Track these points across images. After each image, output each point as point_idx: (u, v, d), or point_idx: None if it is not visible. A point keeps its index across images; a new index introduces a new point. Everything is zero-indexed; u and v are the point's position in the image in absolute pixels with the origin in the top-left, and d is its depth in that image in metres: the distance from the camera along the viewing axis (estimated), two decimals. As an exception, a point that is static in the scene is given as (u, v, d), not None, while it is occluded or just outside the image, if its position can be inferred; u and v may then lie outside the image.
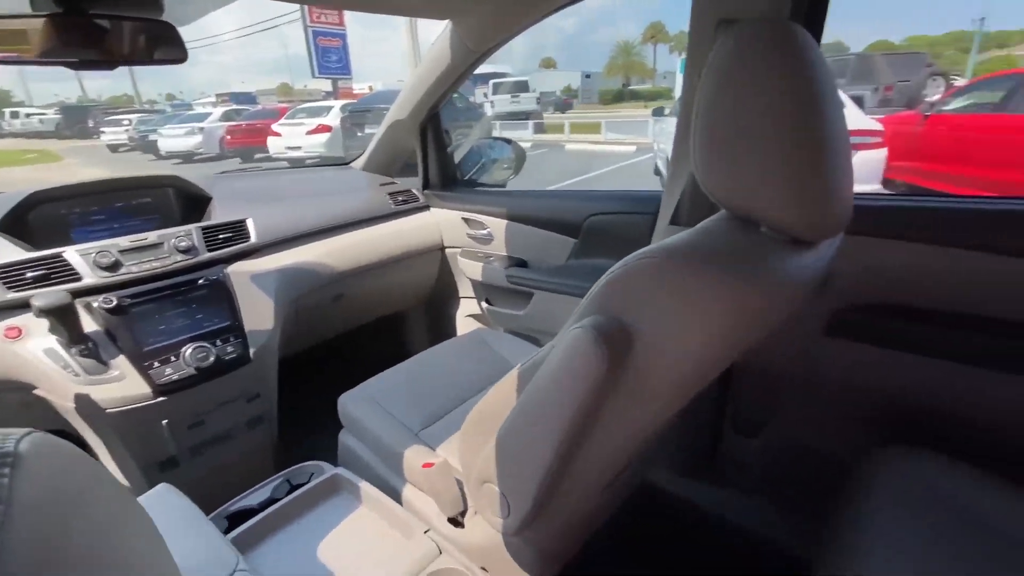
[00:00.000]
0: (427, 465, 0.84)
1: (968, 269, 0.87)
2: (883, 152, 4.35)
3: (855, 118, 4.75)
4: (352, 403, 1.07)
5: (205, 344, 1.02)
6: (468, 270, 1.63)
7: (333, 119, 9.77)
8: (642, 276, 0.52)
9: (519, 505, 0.64)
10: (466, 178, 1.77)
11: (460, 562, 0.77)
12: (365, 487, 0.90)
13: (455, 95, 1.77)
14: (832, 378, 1.05)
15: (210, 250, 1.16)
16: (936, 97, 5.99)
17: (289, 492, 0.91)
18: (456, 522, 0.85)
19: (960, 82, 6.50)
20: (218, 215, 1.25)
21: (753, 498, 1.20)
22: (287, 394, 1.29)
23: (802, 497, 1.07)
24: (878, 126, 4.73)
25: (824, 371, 1.05)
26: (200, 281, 1.10)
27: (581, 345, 0.52)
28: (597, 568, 1.09)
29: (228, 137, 12.22)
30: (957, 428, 0.92)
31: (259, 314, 1.16)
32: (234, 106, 16.77)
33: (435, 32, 1.35)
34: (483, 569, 0.80)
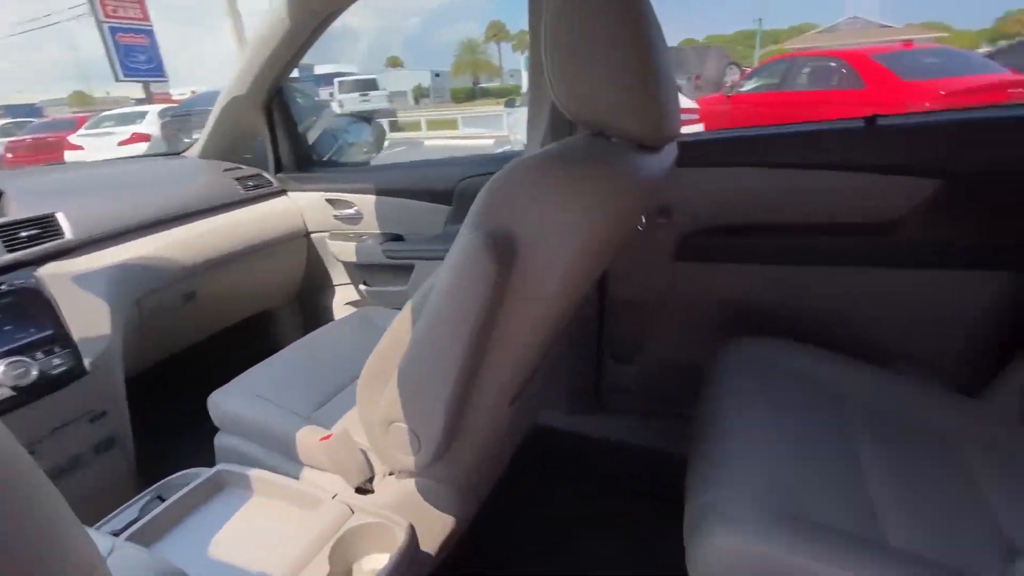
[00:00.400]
0: (325, 438, 0.79)
1: (780, 185, 1.06)
2: (701, 126, 5.14)
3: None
4: (226, 400, 0.96)
5: (23, 359, 0.84)
6: (340, 252, 1.55)
7: (151, 126, 8.46)
8: (519, 181, 0.55)
9: (429, 436, 0.64)
10: (323, 160, 1.68)
11: (377, 517, 0.74)
12: (256, 474, 0.82)
13: (300, 95, 1.66)
14: (686, 296, 1.20)
15: (10, 251, 0.96)
16: (734, 80, 7.10)
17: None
18: (364, 490, 0.81)
19: (748, 70, 7.91)
20: (15, 211, 1.03)
21: (635, 418, 1.33)
22: (148, 409, 1.12)
23: (675, 405, 1.22)
24: (695, 105, 5.58)
25: (679, 291, 1.21)
26: (2, 288, 0.90)
27: (472, 253, 0.54)
28: (507, 515, 1.13)
29: (8, 155, 9.98)
30: (793, 319, 1.12)
31: (91, 320, 0.98)
32: (12, 120, 13.71)
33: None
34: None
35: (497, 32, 47.18)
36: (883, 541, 0.61)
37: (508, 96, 12.76)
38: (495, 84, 36.48)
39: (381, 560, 0.67)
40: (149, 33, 15.10)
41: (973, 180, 0.93)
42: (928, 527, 0.63)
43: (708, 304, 1.20)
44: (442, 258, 0.60)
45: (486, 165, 1.36)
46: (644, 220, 1.15)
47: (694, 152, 1.07)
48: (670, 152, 0.77)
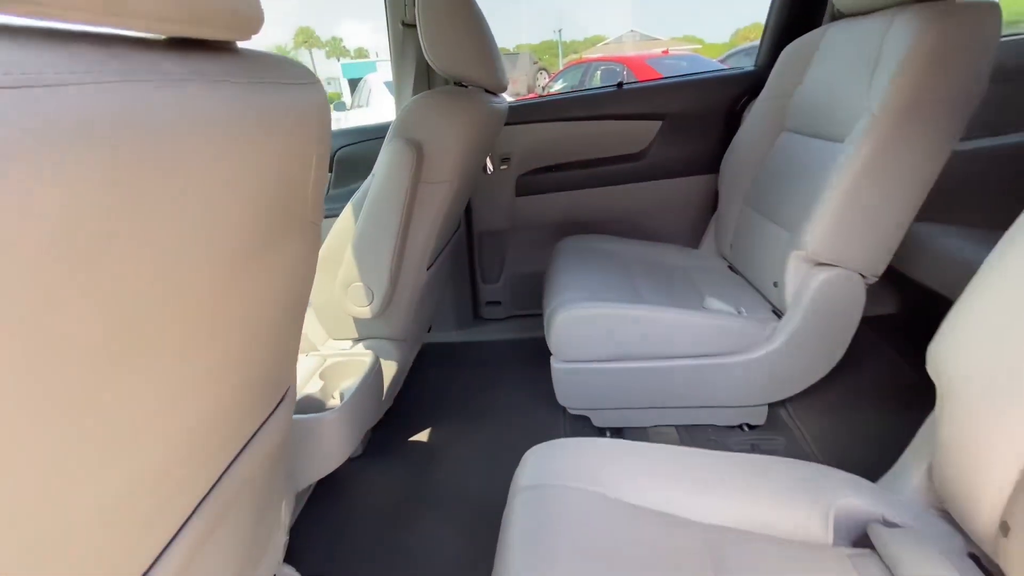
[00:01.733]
0: None
1: (574, 133, 1.56)
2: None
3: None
4: None
5: None
6: None
7: None
8: (422, 109, 0.91)
9: (379, 287, 0.96)
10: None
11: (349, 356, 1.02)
12: None
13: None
14: (528, 221, 1.66)
15: None
16: (545, 82, 8.13)
17: None
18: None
19: (555, 73, 9.19)
20: None
21: (504, 321, 1.77)
22: None
23: (533, 305, 1.67)
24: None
25: (522, 219, 1.66)
26: None
27: (397, 153, 0.89)
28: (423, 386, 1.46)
29: None
30: (596, 223, 1.63)
31: None
32: None
33: None
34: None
35: (307, 39, 44.84)
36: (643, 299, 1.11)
37: (332, 102, 12.49)
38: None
39: (354, 381, 0.97)
40: None
41: (679, 119, 1.53)
42: (669, 300, 1.15)
43: (542, 225, 1.67)
44: (334, 216, 0.92)
45: (353, 136, 1.65)
46: (491, 167, 1.58)
47: (520, 114, 1.53)
48: (503, 100, 1.20)
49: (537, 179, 1.62)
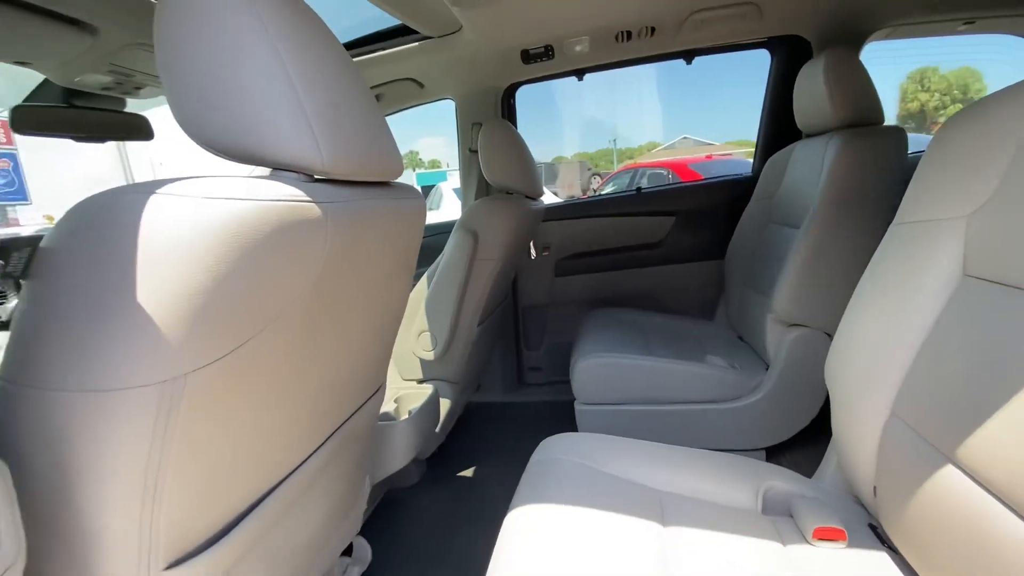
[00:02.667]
0: None
1: (603, 227, 1.91)
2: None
3: (551, 200, 7.08)
4: None
5: None
6: None
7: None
8: (480, 210, 1.29)
9: (441, 335, 1.29)
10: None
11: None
12: None
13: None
14: (564, 297, 1.98)
15: None
16: (597, 186, 8.86)
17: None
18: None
19: (607, 177, 10.06)
20: None
21: (543, 385, 2.02)
22: None
23: (565, 371, 1.93)
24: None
25: (560, 296, 1.98)
26: None
27: (460, 238, 1.25)
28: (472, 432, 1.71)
29: None
30: (621, 299, 1.91)
31: None
32: None
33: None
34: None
35: (410, 162, 51.40)
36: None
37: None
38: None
39: (419, 404, 1.26)
40: (13, 157, 14.40)
41: (688, 215, 1.85)
42: (675, 355, 1.39)
43: (578, 301, 1.98)
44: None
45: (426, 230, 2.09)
46: (534, 253, 1.94)
47: (560, 212, 1.91)
48: (540, 203, 1.58)
49: (573, 263, 1.96)
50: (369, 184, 0.63)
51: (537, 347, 2.04)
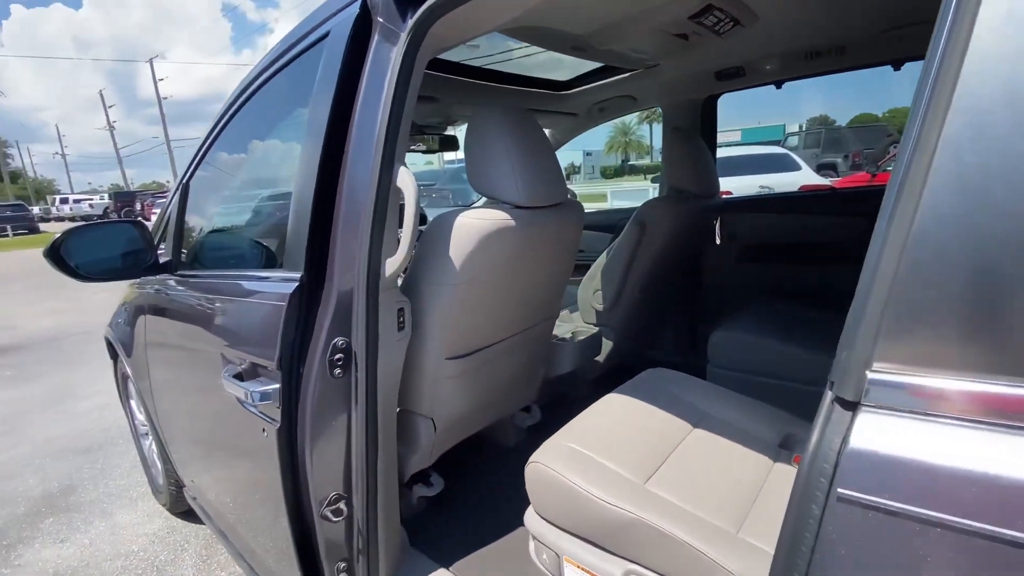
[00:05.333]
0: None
1: (793, 220, 2.07)
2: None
3: (807, 176, 6.39)
4: None
5: None
6: None
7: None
8: (648, 205, 1.74)
9: (608, 296, 1.81)
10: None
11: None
12: None
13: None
14: (743, 281, 2.22)
15: None
16: (890, 156, 7.46)
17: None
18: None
19: None
20: None
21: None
22: None
23: None
24: (827, 183, 6.27)
25: (740, 279, 2.22)
26: None
27: (630, 226, 1.73)
28: None
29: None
30: (800, 291, 2.07)
31: None
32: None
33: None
34: None
35: (650, 114, 49.91)
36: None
37: (656, 171, 13.92)
38: (644, 161, 38.42)
39: (586, 335, 1.82)
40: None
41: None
42: (814, 346, 1.60)
43: (752, 284, 2.19)
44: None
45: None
46: (719, 239, 2.23)
47: (742, 205, 2.15)
48: (715, 200, 1.90)
49: (756, 251, 2.17)
50: (547, 207, 1.19)
51: (712, 321, 2.34)
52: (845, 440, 0.32)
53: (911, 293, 0.31)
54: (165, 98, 36.12)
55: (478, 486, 1.48)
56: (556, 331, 1.76)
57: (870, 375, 0.32)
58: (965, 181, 0.29)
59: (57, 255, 1.23)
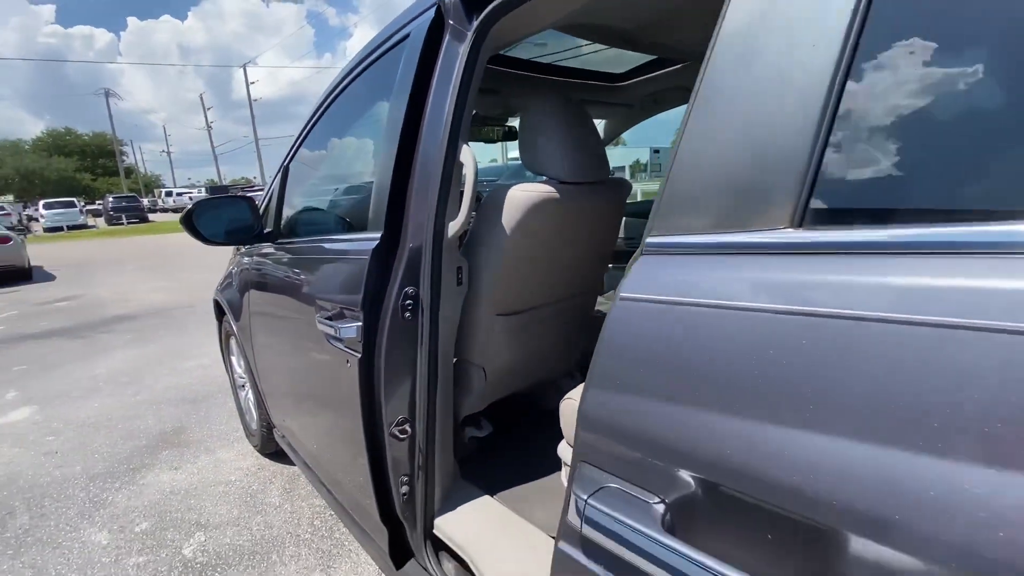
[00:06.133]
0: None
1: None
2: None
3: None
4: None
5: None
6: None
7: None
8: None
9: None
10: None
11: None
12: None
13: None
14: None
15: None
16: None
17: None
18: None
19: None
20: None
21: None
22: None
23: None
24: None
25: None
26: None
27: None
28: None
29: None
30: None
31: None
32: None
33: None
34: None
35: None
36: None
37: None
38: (715, 159, 36.64)
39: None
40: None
41: None
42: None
43: None
44: None
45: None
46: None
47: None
48: None
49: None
50: (589, 183, 1.32)
51: None
52: (631, 268, 0.56)
53: (669, 197, 0.55)
54: (255, 100, 39.15)
55: (523, 435, 1.64)
56: (602, 308, 1.87)
57: (648, 239, 0.56)
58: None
59: (189, 221, 1.51)
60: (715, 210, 0.51)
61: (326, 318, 1.17)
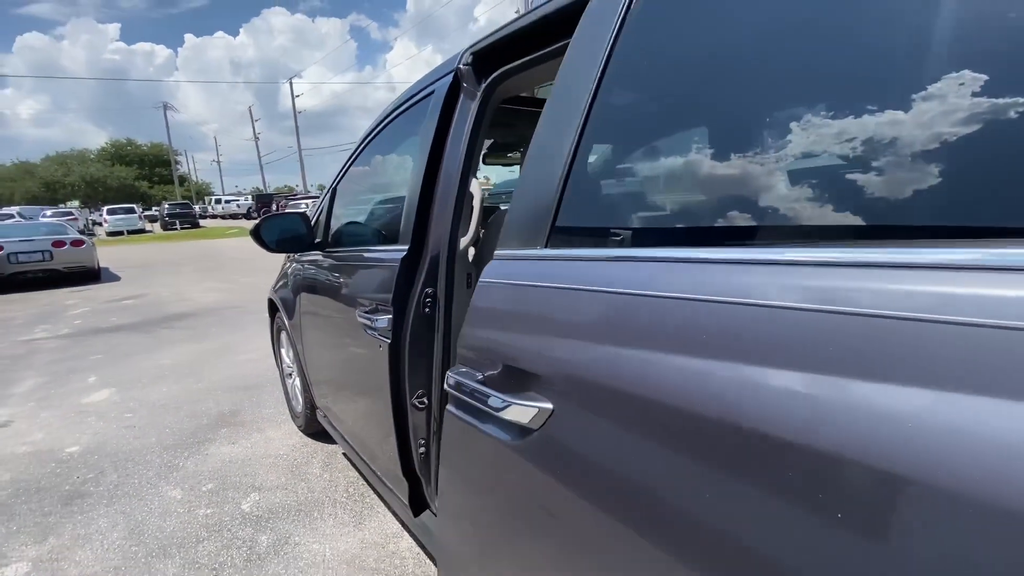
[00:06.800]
0: None
1: None
2: None
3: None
4: None
5: None
6: None
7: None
8: None
9: None
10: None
11: None
12: None
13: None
14: None
15: None
16: None
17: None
18: None
19: None
20: None
21: None
22: None
23: None
24: None
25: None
26: None
27: None
28: None
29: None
30: None
31: None
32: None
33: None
34: None
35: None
36: None
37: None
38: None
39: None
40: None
41: None
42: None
43: None
44: None
45: None
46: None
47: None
48: None
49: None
50: None
51: None
52: (486, 268, 0.88)
53: (504, 230, 0.88)
54: (300, 112, 41.01)
55: None
56: None
57: (496, 252, 0.90)
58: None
59: (257, 233, 1.87)
60: (517, 237, 0.84)
61: (364, 312, 1.48)
